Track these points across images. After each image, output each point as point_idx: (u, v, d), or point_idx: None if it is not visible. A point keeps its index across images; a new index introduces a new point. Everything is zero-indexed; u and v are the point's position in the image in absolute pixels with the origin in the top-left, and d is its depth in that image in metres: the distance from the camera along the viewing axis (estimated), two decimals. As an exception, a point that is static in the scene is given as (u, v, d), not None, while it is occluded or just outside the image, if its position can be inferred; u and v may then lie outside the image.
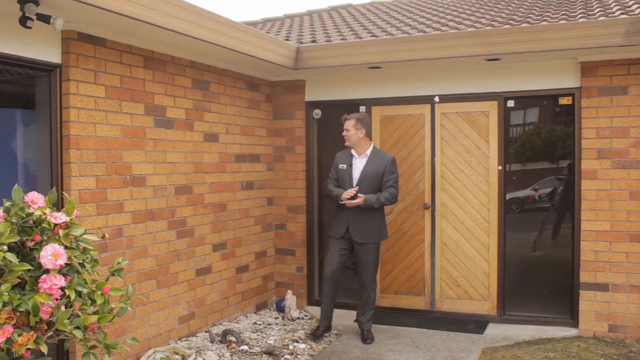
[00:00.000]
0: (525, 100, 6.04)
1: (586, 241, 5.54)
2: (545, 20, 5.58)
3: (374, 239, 5.50)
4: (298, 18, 9.04)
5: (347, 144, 5.49)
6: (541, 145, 6.07)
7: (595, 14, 5.47)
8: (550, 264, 6.08)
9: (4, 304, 2.62)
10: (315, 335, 5.51)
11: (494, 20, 6.02)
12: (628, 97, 5.38)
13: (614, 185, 5.45)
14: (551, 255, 6.14)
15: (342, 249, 5.49)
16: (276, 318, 6.26)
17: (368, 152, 5.50)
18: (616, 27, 4.95)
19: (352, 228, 5.41)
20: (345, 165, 5.51)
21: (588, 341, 5.38)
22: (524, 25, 5.42)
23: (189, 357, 4.78)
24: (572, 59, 5.56)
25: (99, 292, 2.95)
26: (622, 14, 5.25)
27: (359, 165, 5.49)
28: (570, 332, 5.63)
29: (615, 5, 5.76)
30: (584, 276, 5.55)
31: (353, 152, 5.53)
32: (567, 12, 5.87)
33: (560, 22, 5.32)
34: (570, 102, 5.71)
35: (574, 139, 5.69)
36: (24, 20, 3.63)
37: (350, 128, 5.44)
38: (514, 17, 6.10)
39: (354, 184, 5.43)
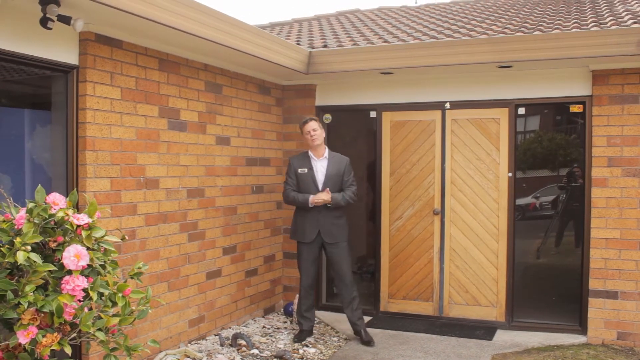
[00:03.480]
0: (536, 107, 6.06)
1: (596, 249, 5.55)
2: (557, 28, 5.60)
3: (343, 238, 5.55)
4: (306, 22, 9.06)
5: (316, 144, 5.46)
6: (551, 152, 6.09)
7: (607, 23, 5.50)
8: (558, 271, 6.10)
9: (29, 305, 2.63)
10: (299, 338, 5.56)
11: (505, 28, 6.05)
12: (639, 106, 5.40)
13: (624, 194, 5.47)
14: (559, 263, 6.15)
15: (315, 258, 5.57)
16: (284, 322, 6.25)
17: (326, 154, 5.55)
18: (629, 36, 4.97)
19: (323, 230, 5.45)
20: (305, 169, 5.51)
21: (597, 348, 5.38)
22: (536, 33, 5.44)
23: (200, 360, 4.78)
24: (584, 67, 5.59)
25: (120, 294, 2.95)
26: (634, 23, 5.27)
27: (320, 167, 5.51)
28: (579, 339, 5.63)
29: (626, 14, 5.78)
30: (593, 283, 5.56)
31: (311, 155, 5.55)
32: (578, 21, 5.90)
33: (573, 30, 5.35)
34: (581, 110, 5.73)
35: (584, 147, 5.71)
36: (44, 21, 3.65)
37: (317, 128, 5.48)
38: (526, 24, 6.13)
39: (320, 186, 5.46)
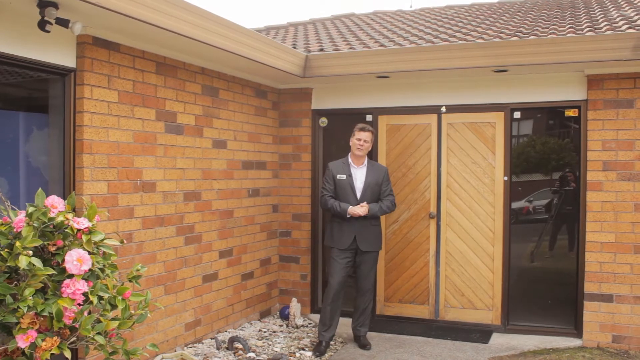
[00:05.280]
0: (531, 111, 6.10)
1: (591, 252, 5.58)
2: (553, 33, 5.64)
3: (378, 247, 5.57)
4: (302, 26, 9.08)
5: (359, 153, 5.45)
6: (545, 156, 6.12)
7: (601, 28, 5.54)
8: (553, 274, 6.12)
9: (28, 309, 2.61)
10: (320, 351, 5.35)
11: (501, 32, 6.08)
12: (634, 111, 5.44)
13: (619, 197, 5.50)
14: (554, 266, 6.18)
15: (348, 261, 5.45)
16: (280, 325, 6.25)
17: (365, 162, 5.54)
18: (624, 42, 5.01)
19: (359, 238, 5.40)
20: (344, 176, 5.47)
21: (592, 351, 5.41)
22: (532, 37, 5.48)
23: (197, 364, 4.76)
24: (579, 71, 5.62)
25: (119, 298, 2.94)
26: (628, 27, 5.31)
27: (359, 175, 5.49)
28: (574, 342, 5.66)
29: (620, 20, 5.83)
30: (589, 287, 5.59)
31: (350, 162, 5.53)
32: (573, 26, 5.94)
33: (568, 35, 5.38)
34: (577, 114, 5.76)
35: (579, 151, 5.75)
36: (42, 24, 3.64)
37: (369, 140, 5.45)
38: (521, 29, 6.16)
39: (358, 194, 5.44)
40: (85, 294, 2.76)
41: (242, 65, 5.61)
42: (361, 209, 5.31)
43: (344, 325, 5.93)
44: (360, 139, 5.42)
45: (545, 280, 6.15)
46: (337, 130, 6.78)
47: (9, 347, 2.65)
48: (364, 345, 5.52)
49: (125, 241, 3.54)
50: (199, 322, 5.44)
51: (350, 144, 5.52)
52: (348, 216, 5.35)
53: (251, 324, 6.23)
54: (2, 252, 2.65)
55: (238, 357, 5.12)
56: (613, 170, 5.51)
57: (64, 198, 3.61)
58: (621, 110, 5.48)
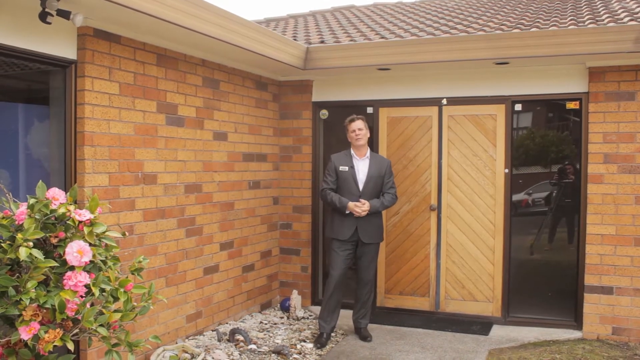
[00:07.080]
0: (532, 103, 6.08)
1: (591, 244, 5.59)
2: (554, 25, 5.62)
3: (379, 239, 5.57)
4: (302, 18, 9.05)
5: (359, 143, 5.43)
6: (546, 148, 6.11)
7: (603, 20, 5.53)
8: (554, 266, 6.13)
9: (30, 301, 2.62)
10: (321, 343, 5.36)
11: (502, 25, 6.06)
12: (635, 103, 5.44)
13: (619, 190, 5.50)
14: (554, 258, 6.19)
15: (349, 252, 5.44)
16: (281, 317, 6.26)
17: (368, 154, 5.53)
18: (626, 34, 5.00)
19: (361, 230, 5.38)
20: (347, 168, 5.45)
21: (592, 343, 5.43)
22: (534, 29, 5.46)
23: (198, 355, 4.77)
24: (580, 64, 5.61)
25: (122, 290, 2.95)
26: (630, 20, 5.30)
27: (362, 167, 5.48)
28: (574, 334, 5.67)
29: (622, 12, 5.81)
30: (589, 279, 5.60)
31: (353, 153, 5.51)
32: (574, 18, 5.92)
33: (570, 27, 5.37)
34: (578, 107, 5.75)
35: (580, 143, 5.74)
36: (43, 16, 3.63)
37: (363, 127, 5.44)
38: (522, 21, 6.14)
39: (360, 186, 5.43)
40: (87, 286, 2.77)
41: (242, 57, 5.59)
42: (362, 210, 5.27)
43: (345, 317, 5.95)
44: (353, 130, 5.42)
45: (545, 273, 6.15)
46: (338, 122, 6.74)
47: (11, 339, 2.66)
48: (364, 337, 5.53)
49: (127, 233, 3.55)
50: (200, 314, 5.45)
51: (348, 139, 5.52)
52: (347, 212, 5.35)
53: (252, 316, 6.25)
54: (3, 245, 2.65)
55: (239, 349, 5.13)
56: (614, 162, 5.51)
57: (65, 190, 3.62)
58: (622, 103, 5.47)
